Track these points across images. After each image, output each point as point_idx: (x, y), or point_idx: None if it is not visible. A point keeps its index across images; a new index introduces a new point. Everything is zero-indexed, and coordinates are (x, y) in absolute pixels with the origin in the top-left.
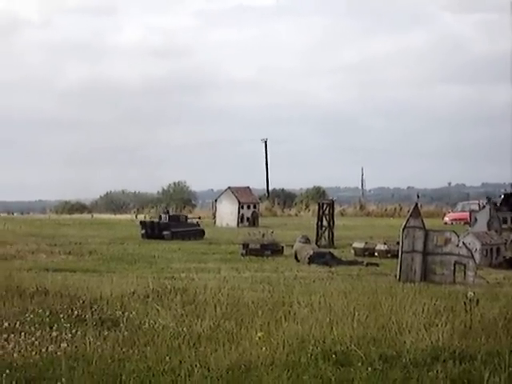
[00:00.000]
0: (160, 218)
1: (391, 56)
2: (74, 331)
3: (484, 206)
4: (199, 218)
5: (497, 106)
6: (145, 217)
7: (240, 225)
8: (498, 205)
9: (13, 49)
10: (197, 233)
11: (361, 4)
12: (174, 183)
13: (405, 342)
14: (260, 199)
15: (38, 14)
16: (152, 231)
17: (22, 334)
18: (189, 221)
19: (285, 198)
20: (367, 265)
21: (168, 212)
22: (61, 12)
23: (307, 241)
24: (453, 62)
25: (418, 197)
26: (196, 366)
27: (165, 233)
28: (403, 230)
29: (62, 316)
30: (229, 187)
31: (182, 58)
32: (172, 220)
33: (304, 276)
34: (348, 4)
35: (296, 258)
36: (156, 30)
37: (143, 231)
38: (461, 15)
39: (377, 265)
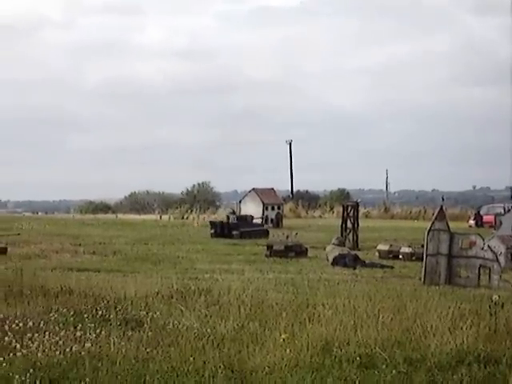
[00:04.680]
0: (228, 218)
1: (415, 59)
2: (98, 331)
3: (509, 210)
4: (262, 218)
5: None
6: (169, 217)
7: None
8: None
9: (38, 49)
10: (262, 232)
11: (385, 7)
12: (199, 184)
13: (429, 345)
14: (284, 200)
15: (62, 14)
16: (222, 231)
17: (46, 333)
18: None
19: (309, 200)
20: (382, 267)
21: (235, 213)
22: (85, 13)
23: (340, 243)
24: (477, 64)
25: (443, 199)
26: (220, 367)
27: (234, 232)
28: (428, 232)
29: (86, 316)
30: (253, 188)
31: (205, 59)
32: (240, 220)
33: (328, 278)
34: (372, 7)
35: (328, 259)
36: (179, 31)
37: (212, 231)
38: (485, 18)
39: (392, 267)
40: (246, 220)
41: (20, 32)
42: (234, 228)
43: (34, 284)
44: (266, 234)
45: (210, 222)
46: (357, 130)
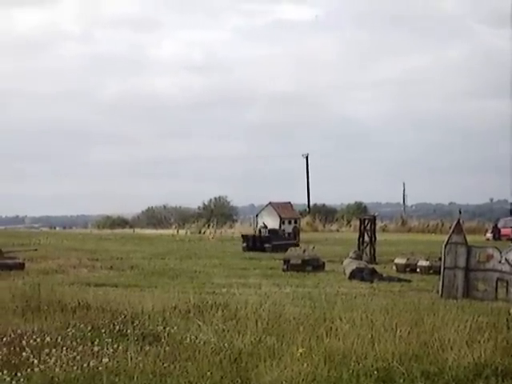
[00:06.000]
0: (260, 232)
1: (429, 70)
2: (115, 346)
3: None
4: (291, 234)
5: None
6: (186, 232)
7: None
8: None
9: (54, 62)
10: (293, 246)
11: (398, 19)
12: (215, 198)
13: (447, 359)
14: (301, 214)
15: (79, 27)
16: (254, 244)
17: (64, 348)
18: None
19: (326, 214)
20: (399, 280)
21: (266, 227)
22: (102, 26)
23: (358, 257)
24: (494, 76)
25: (460, 212)
26: (237, 381)
27: (266, 245)
28: (445, 246)
29: (103, 331)
30: (270, 202)
31: (222, 73)
32: (272, 234)
33: (345, 292)
34: (386, 19)
35: (345, 273)
36: (196, 45)
37: (244, 244)
38: (499, 29)
39: (409, 281)
40: (277, 233)
41: (37, 45)
42: (266, 241)
43: (51, 299)
44: (296, 247)
45: (242, 235)
46: (373, 142)
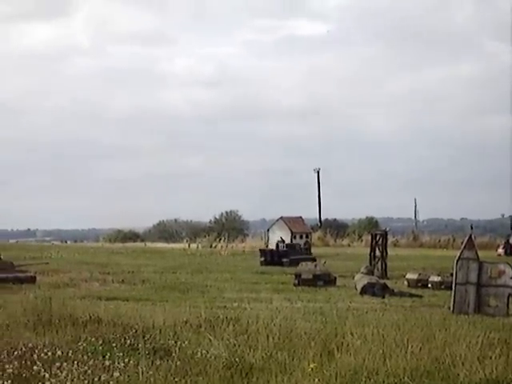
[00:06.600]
0: (277, 246)
1: (441, 85)
2: (126, 360)
3: None
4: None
5: None
6: (197, 246)
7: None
8: None
9: (65, 76)
10: (310, 260)
11: (410, 35)
12: (227, 212)
13: (458, 375)
14: (312, 229)
15: (90, 42)
16: (271, 258)
17: (75, 362)
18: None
19: (337, 228)
20: (411, 296)
21: (284, 241)
22: (113, 41)
23: (369, 272)
24: (506, 92)
25: (472, 228)
26: None
27: (284, 260)
28: (457, 261)
29: (114, 345)
30: (281, 217)
31: (232, 88)
32: (289, 248)
33: (357, 307)
34: (397, 35)
35: (356, 288)
36: (207, 59)
37: (262, 258)
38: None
39: (420, 296)
40: (294, 248)
41: (49, 60)
42: (283, 256)
43: (62, 313)
44: (313, 261)
45: (260, 250)
46: (384, 157)
